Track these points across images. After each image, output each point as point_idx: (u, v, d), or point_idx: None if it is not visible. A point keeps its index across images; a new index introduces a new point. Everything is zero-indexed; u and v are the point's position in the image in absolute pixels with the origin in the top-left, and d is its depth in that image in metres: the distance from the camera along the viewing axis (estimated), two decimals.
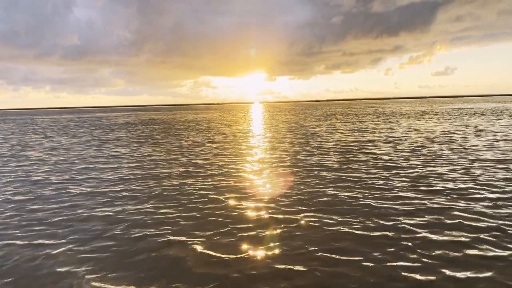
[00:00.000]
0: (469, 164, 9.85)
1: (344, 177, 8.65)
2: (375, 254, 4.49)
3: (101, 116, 70.20)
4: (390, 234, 5.09)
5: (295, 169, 9.78)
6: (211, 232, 5.35)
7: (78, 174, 9.94)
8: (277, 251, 4.67)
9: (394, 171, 9.16)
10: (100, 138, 21.05)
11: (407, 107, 65.73)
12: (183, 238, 5.16)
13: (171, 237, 5.21)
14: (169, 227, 5.60)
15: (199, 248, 4.83)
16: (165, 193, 7.70)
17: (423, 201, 6.55)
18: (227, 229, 5.48)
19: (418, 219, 5.66)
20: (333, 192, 7.33)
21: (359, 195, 7.06)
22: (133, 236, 5.30)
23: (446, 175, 8.56)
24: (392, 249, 4.61)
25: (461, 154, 11.43)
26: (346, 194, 7.20)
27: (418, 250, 4.56)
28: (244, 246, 4.84)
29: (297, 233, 5.20)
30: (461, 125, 22.63)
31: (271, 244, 4.87)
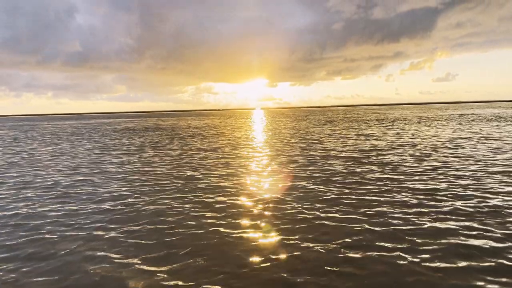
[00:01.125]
0: (481, 174, 9.46)
1: (349, 192, 8.28)
2: (382, 282, 4.16)
3: (104, 122, 70.13)
4: (399, 261, 4.69)
5: (298, 183, 9.38)
6: (190, 261, 4.87)
7: (67, 187, 9.65)
8: (270, 281, 4.28)
9: (403, 185, 8.67)
10: (102, 145, 20.79)
11: (409, 113, 65.40)
12: (153, 268, 4.64)
13: (141, 266, 4.75)
14: (147, 254, 5.26)
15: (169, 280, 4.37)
16: (157, 209, 7.39)
17: (435, 220, 6.18)
18: (211, 253, 5.13)
19: (431, 241, 5.29)
20: (337, 212, 6.91)
21: (365, 214, 6.65)
22: (90, 267, 4.65)
23: (458, 188, 8.15)
24: (402, 279, 4.27)
25: (471, 163, 11.07)
26: (353, 215, 6.80)
27: (430, 279, 4.22)
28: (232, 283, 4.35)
29: (296, 259, 4.78)
30: (466, 131, 22.24)
31: (266, 269, 4.52)
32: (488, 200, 7.08)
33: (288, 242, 5.30)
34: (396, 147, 15.92)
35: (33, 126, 57.59)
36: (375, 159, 12.57)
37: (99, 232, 5.91)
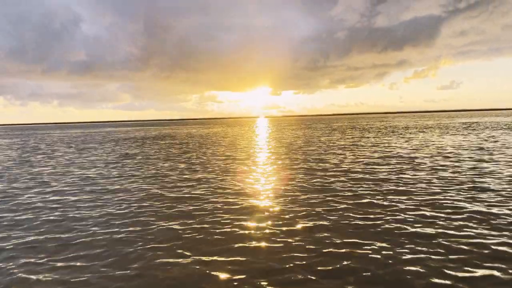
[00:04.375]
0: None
1: (359, 213, 8.00)
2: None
3: (111, 131, 70.23)
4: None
5: (303, 196, 9.04)
6: None
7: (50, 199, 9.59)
8: None
9: (429, 206, 8.40)
10: (113, 154, 20.86)
11: (415, 121, 64.93)
12: None
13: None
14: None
15: None
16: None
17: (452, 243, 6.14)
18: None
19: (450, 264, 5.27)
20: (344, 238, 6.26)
21: (377, 244, 6.03)
22: None
23: (484, 207, 7.81)
24: None
25: (498, 182, 10.73)
26: (367, 245, 6.19)
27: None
28: None
29: None
30: (485, 140, 21.98)
31: None
32: None
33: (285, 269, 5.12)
34: (414, 158, 15.77)
35: (43, 135, 57.83)
36: (389, 170, 12.44)
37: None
